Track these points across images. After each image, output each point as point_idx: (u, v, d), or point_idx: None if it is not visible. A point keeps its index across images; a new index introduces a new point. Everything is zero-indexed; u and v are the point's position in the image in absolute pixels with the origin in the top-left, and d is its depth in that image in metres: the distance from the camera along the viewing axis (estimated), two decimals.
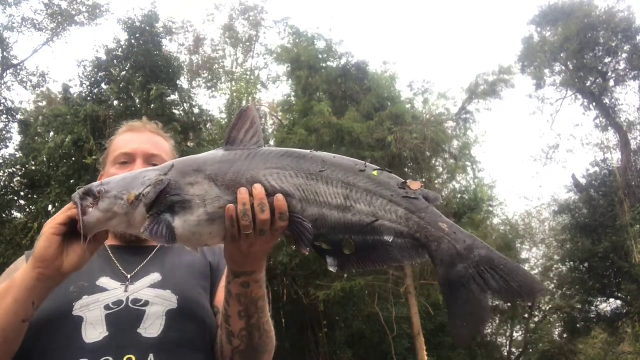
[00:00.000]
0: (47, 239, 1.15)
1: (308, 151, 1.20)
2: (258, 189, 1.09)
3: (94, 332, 1.29)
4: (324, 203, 1.13)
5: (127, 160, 1.57)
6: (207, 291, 1.50)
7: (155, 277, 1.45)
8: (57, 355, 1.26)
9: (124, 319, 1.32)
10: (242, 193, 1.09)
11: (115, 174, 1.48)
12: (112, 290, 1.39)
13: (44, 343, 1.27)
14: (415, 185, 1.16)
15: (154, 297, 1.38)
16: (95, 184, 1.19)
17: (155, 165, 1.52)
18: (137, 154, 1.57)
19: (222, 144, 1.23)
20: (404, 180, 1.17)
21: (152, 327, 1.32)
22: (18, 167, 13.80)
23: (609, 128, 18.77)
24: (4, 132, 15.10)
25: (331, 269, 1.13)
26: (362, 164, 1.19)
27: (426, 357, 12.03)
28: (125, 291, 1.39)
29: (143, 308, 1.35)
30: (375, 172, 1.17)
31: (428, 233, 1.12)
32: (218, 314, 1.43)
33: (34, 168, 13.31)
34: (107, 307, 1.35)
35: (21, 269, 1.20)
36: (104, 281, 1.40)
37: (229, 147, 1.20)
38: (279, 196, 1.09)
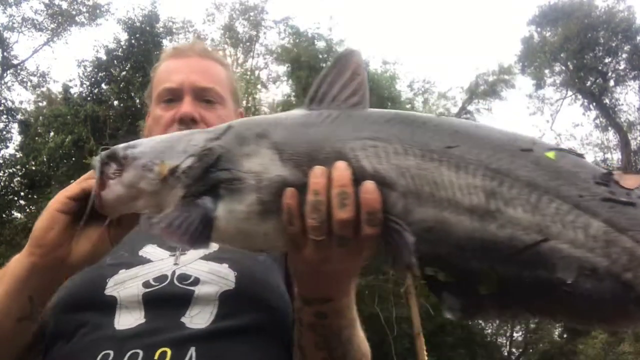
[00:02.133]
0: (49, 216, 0.84)
1: (431, 115, 0.79)
2: (340, 170, 0.70)
3: (129, 317, 0.99)
4: (448, 201, 0.68)
5: (172, 97, 1.25)
6: (281, 264, 1.13)
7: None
8: (79, 344, 0.97)
9: (166, 301, 1.01)
10: (316, 175, 0.70)
11: (161, 116, 1.23)
12: (157, 261, 1.08)
13: (67, 328, 1.00)
14: (630, 180, 0.67)
15: (206, 274, 1.06)
16: (122, 145, 0.85)
17: (208, 102, 1.24)
18: (184, 89, 1.24)
19: None
20: (607, 170, 0.69)
21: (199, 316, 1.00)
22: (18, 167, 13.82)
23: (609, 128, 18.78)
24: (4, 132, 15.13)
25: (448, 314, 0.70)
26: (529, 140, 0.72)
27: (426, 357, 12.03)
28: (176, 263, 1.07)
29: (191, 288, 1.03)
30: (550, 154, 0.70)
31: None
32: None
33: (34, 168, 13.33)
34: (146, 284, 1.03)
35: (17, 255, 0.91)
36: (149, 250, 1.10)
37: (314, 107, 0.79)
38: (369, 185, 0.69)
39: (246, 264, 1.09)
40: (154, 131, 1.23)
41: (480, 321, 20.18)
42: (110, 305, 1.00)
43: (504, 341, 21.53)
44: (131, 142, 0.86)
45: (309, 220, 0.70)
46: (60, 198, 0.85)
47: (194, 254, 1.09)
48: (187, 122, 1.19)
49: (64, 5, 16.81)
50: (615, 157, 18.53)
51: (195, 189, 0.76)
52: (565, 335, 19.24)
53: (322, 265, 0.76)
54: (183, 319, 0.99)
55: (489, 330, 20.91)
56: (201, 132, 0.84)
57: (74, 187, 0.85)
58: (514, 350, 21.12)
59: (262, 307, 1.05)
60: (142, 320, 0.98)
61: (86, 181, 0.85)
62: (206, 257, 1.09)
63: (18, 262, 0.88)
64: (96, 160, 0.83)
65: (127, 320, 0.99)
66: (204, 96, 1.24)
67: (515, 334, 21.48)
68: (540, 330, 20.50)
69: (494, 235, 0.66)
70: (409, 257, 0.67)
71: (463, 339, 16.65)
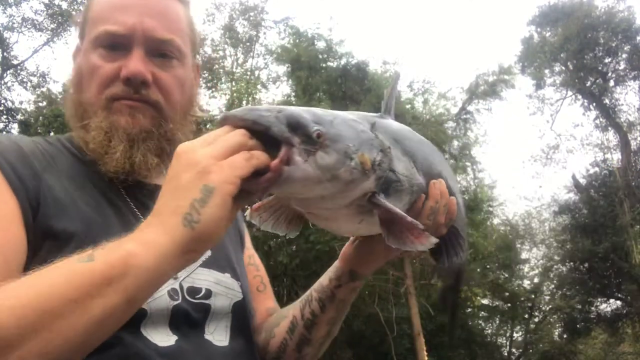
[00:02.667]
0: (224, 204, 0.66)
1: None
2: (445, 187, 0.93)
3: (156, 332, 0.86)
4: (460, 214, 1.01)
5: (116, 43, 0.94)
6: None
7: None
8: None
9: (185, 316, 0.90)
10: (437, 188, 0.91)
11: (99, 67, 0.94)
12: None
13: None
14: None
15: (214, 285, 0.96)
16: (306, 115, 0.72)
17: (165, 56, 0.97)
18: (135, 37, 0.93)
19: None
20: None
21: (218, 332, 0.93)
22: None
23: (609, 128, 18.77)
24: (4, 132, 15.12)
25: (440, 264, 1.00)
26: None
27: (426, 357, 12.03)
28: (174, 277, 0.90)
29: (206, 302, 0.94)
30: None
31: None
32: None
33: None
34: (170, 296, 0.90)
35: (140, 246, 0.66)
36: None
37: (385, 116, 0.96)
38: (455, 200, 0.95)
39: (238, 271, 1.05)
40: (88, 83, 0.96)
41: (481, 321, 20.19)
42: (138, 318, 0.84)
43: (504, 341, 21.53)
44: (312, 116, 0.73)
45: (425, 220, 0.89)
46: (233, 179, 0.66)
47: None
48: (137, 85, 0.93)
49: (64, 5, 16.79)
50: (615, 157, 18.54)
51: (381, 185, 0.79)
52: (565, 336, 19.24)
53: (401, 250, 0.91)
54: (207, 337, 0.91)
55: (489, 330, 20.91)
56: (359, 122, 0.81)
57: (244, 165, 0.67)
58: (514, 350, 21.11)
59: (252, 312, 1.08)
60: (175, 337, 0.87)
61: (255, 157, 0.68)
62: (206, 264, 0.98)
63: (160, 259, 0.66)
64: (281, 128, 0.68)
65: (158, 336, 0.86)
66: (160, 49, 0.96)
67: (515, 334, 21.48)
68: (540, 331, 20.50)
69: (461, 232, 1.02)
70: (463, 251, 0.96)
71: (463, 339, 16.64)
